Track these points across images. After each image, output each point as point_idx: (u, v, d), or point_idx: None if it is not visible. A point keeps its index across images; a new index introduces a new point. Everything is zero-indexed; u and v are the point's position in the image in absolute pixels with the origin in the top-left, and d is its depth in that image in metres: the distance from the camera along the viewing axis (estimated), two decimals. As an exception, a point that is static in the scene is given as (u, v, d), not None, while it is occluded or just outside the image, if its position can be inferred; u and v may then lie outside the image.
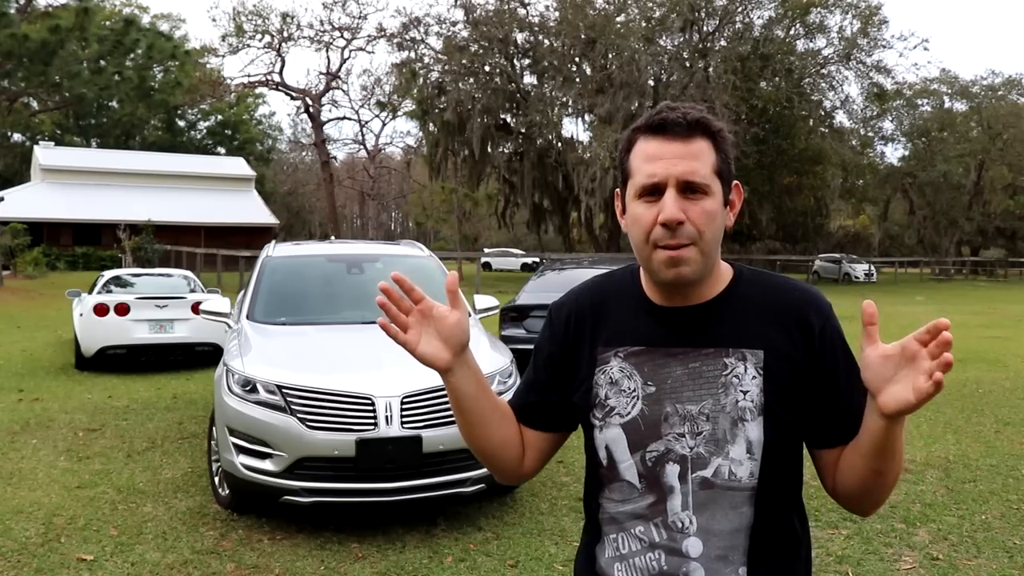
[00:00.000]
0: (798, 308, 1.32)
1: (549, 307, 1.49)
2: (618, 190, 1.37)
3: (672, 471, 1.29)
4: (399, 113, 48.55)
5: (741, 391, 1.28)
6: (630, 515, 1.32)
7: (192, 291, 10.85)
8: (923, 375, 1.10)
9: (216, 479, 4.88)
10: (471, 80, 32.64)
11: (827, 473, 1.33)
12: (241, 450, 4.37)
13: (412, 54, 34.00)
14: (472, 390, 1.36)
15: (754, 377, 1.28)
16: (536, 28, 32.93)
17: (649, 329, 1.34)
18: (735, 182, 1.33)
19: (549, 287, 9.84)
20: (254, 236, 38.60)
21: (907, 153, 46.96)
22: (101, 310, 9.64)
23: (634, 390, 1.32)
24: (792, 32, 33.28)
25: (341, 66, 50.09)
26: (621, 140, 1.34)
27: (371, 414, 4.21)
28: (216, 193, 42.08)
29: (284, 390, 4.31)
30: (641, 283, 1.39)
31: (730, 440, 1.27)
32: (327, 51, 48.49)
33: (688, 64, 31.18)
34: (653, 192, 1.25)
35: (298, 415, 4.24)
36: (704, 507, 1.28)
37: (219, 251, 26.96)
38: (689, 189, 1.24)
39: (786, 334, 1.30)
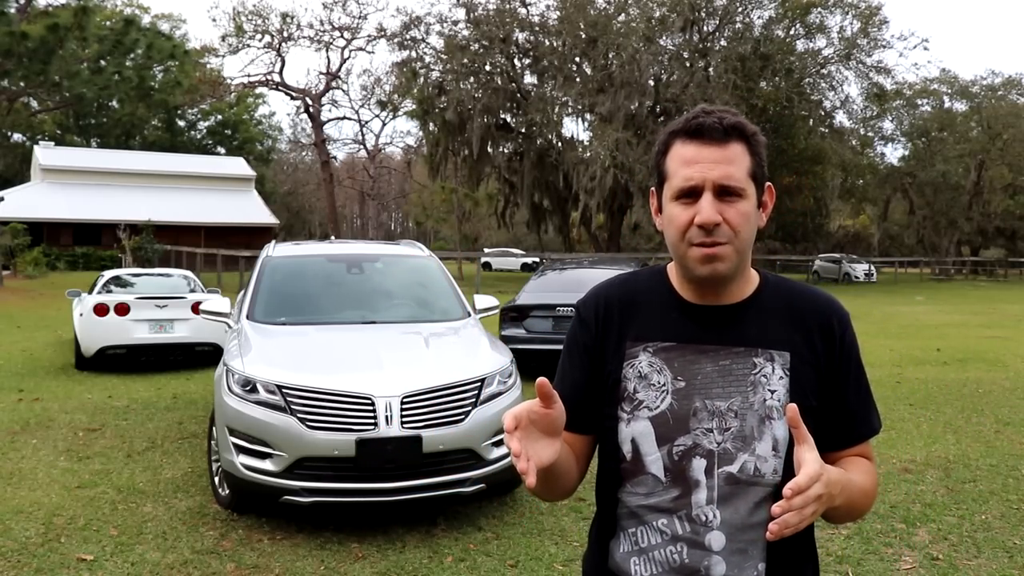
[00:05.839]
0: (821, 315, 1.37)
1: (576, 304, 1.47)
2: (653, 189, 1.40)
3: (699, 465, 1.31)
4: (399, 113, 48.52)
5: (769, 390, 1.31)
6: (653, 508, 1.34)
7: (192, 291, 10.84)
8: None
9: (216, 479, 4.88)
10: (471, 80, 32.62)
11: None
12: (241, 450, 4.37)
13: (413, 53, 34.00)
14: (565, 456, 1.32)
15: (781, 377, 1.32)
16: (537, 28, 32.92)
17: (680, 325, 1.36)
18: (767, 183, 1.36)
19: (549, 287, 9.85)
20: (254, 236, 38.61)
21: (907, 153, 46.96)
22: (101, 310, 9.64)
23: (663, 384, 1.34)
24: (792, 32, 33.29)
25: (341, 66, 50.09)
26: (657, 142, 1.36)
27: (371, 414, 4.21)
28: (216, 193, 42.09)
29: (284, 390, 4.31)
30: (671, 282, 1.41)
31: (757, 437, 1.30)
32: (327, 51, 48.51)
33: (688, 64, 31.20)
34: (690, 195, 1.28)
35: (298, 415, 4.24)
36: (728, 502, 1.30)
37: (219, 251, 26.91)
38: (725, 192, 1.27)
39: (809, 339, 1.35)
